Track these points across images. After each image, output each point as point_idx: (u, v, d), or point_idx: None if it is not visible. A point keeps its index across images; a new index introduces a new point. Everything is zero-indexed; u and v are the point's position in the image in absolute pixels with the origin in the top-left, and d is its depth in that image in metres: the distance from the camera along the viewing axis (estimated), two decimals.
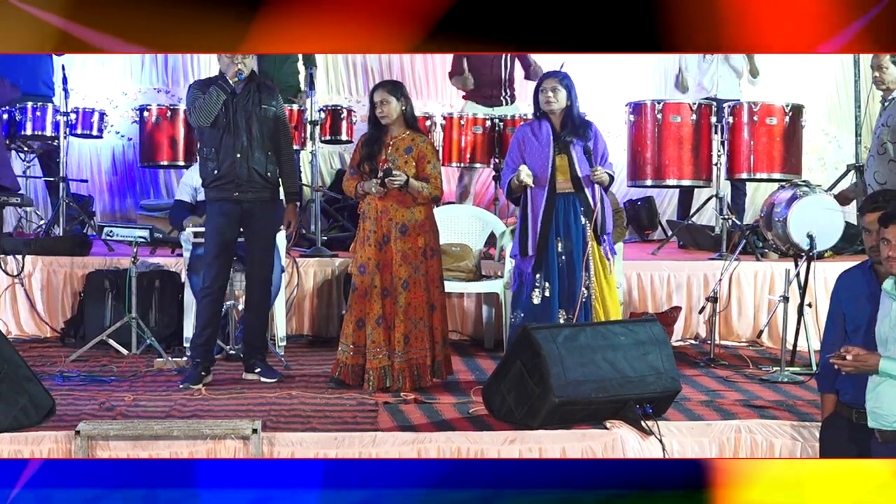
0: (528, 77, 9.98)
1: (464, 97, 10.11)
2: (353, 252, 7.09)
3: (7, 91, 8.92)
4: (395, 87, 6.90)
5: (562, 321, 6.79)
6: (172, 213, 8.31)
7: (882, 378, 4.71)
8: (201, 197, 8.02)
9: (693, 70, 10.24)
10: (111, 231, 7.85)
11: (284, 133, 7.04)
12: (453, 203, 9.67)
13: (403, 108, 6.86)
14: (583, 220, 6.86)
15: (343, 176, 7.57)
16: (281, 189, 7.07)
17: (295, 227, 7.28)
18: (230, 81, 6.79)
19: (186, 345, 7.65)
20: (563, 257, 6.86)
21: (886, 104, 7.26)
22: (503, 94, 9.95)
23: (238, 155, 6.82)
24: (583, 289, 6.82)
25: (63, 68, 9.23)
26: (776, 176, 9.03)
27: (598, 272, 6.87)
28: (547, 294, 6.89)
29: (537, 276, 6.90)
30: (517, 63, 10.02)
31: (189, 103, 6.96)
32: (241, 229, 6.97)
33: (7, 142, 9.20)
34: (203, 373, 6.86)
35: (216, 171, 6.86)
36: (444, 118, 9.50)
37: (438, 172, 6.91)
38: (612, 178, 6.93)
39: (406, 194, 6.79)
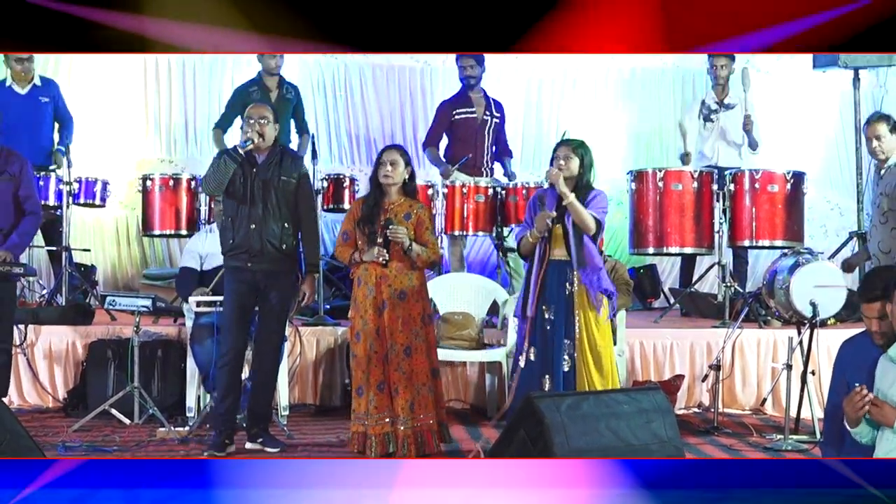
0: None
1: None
2: (350, 319, 7.09)
3: None
4: (405, 153, 6.96)
5: (546, 387, 6.76)
6: (179, 280, 8.30)
7: (893, 444, 4.66)
8: (207, 266, 8.03)
9: (693, 136, 10.20)
10: (113, 301, 7.85)
11: (306, 203, 7.04)
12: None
13: (406, 176, 6.90)
14: (567, 287, 6.83)
15: None
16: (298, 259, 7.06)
17: (311, 300, 7.22)
18: (241, 151, 6.79)
19: (189, 414, 7.63)
20: (548, 326, 6.86)
21: (883, 173, 7.28)
22: (484, 164, 9.95)
23: (252, 226, 6.82)
24: (564, 357, 6.81)
25: None
26: (778, 243, 9.02)
27: (582, 341, 6.79)
28: (532, 358, 6.87)
29: (527, 340, 6.92)
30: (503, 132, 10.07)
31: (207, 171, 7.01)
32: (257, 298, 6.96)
33: None
34: (227, 441, 6.82)
35: (231, 241, 6.88)
36: (447, 186, 9.51)
37: (436, 238, 6.99)
38: (597, 221, 6.78)
39: (406, 258, 6.81)
